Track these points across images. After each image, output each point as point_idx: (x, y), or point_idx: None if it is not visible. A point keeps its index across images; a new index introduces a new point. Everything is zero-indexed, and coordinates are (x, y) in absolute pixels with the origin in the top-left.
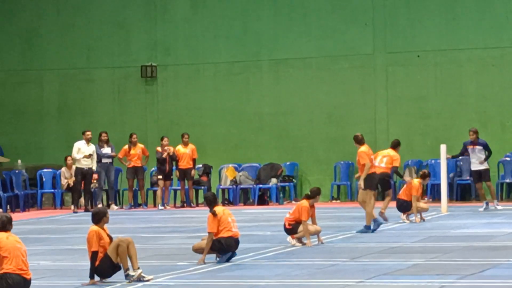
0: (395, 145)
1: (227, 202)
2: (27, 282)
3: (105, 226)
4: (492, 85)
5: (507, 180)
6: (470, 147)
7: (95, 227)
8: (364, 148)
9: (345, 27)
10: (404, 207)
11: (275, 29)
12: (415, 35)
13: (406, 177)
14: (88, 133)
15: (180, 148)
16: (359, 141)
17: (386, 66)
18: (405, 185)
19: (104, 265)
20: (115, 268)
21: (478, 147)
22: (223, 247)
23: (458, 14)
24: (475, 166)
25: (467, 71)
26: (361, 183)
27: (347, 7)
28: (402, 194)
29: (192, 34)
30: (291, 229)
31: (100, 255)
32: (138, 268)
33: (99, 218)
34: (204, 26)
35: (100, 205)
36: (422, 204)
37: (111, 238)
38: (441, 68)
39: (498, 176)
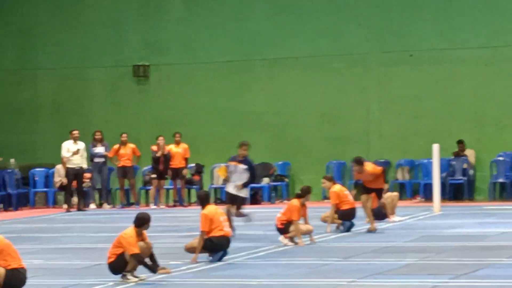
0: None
1: (220, 201)
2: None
3: (144, 232)
4: (486, 85)
5: (500, 180)
6: (232, 164)
7: (130, 232)
8: (335, 188)
9: (339, 27)
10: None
11: (270, 29)
12: (410, 35)
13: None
14: (75, 132)
15: (172, 147)
16: (330, 179)
17: (380, 66)
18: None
19: (119, 263)
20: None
21: (241, 166)
22: (215, 246)
23: (453, 13)
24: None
25: (462, 71)
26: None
27: (341, 6)
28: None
29: (186, 33)
30: (283, 229)
31: (117, 253)
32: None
33: (141, 223)
34: (198, 26)
35: (92, 205)
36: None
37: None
38: (435, 67)
39: (491, 176)
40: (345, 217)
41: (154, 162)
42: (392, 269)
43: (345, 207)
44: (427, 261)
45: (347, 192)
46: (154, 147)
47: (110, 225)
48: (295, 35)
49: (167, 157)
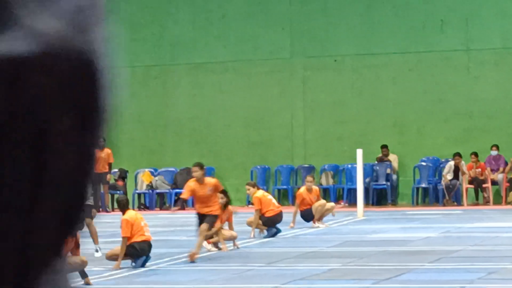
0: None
1: (143, 206)
2: None
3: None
4: (409, 90)
5: (423, 185)
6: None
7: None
8: (258, 194)
9: (262, 32)
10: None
11: (193, 33)
12: (332, 40)
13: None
14: None
15: None
16: (253, 185)
17: (303, 71)
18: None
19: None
20: None
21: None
22: (137, 252)
23: (375, 19)
24: None
25: (384, 76)
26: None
27: (264, 11)
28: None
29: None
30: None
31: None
32: None
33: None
34: (119, 29)
35: None
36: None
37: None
38: (358, 73)
39: (414, 181)
40: (270, 224)
41: None
42: (315, 274)
43: (269, 214)
44: (350, 266)
45: (270, 197)
46: None
47: None
48: (218, 40)
49: None
